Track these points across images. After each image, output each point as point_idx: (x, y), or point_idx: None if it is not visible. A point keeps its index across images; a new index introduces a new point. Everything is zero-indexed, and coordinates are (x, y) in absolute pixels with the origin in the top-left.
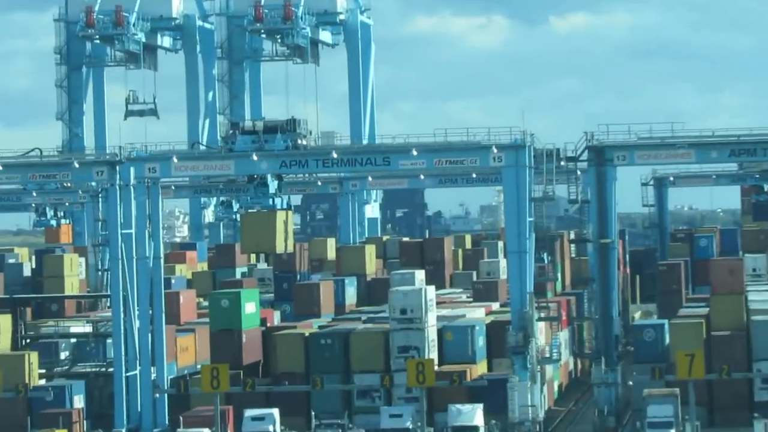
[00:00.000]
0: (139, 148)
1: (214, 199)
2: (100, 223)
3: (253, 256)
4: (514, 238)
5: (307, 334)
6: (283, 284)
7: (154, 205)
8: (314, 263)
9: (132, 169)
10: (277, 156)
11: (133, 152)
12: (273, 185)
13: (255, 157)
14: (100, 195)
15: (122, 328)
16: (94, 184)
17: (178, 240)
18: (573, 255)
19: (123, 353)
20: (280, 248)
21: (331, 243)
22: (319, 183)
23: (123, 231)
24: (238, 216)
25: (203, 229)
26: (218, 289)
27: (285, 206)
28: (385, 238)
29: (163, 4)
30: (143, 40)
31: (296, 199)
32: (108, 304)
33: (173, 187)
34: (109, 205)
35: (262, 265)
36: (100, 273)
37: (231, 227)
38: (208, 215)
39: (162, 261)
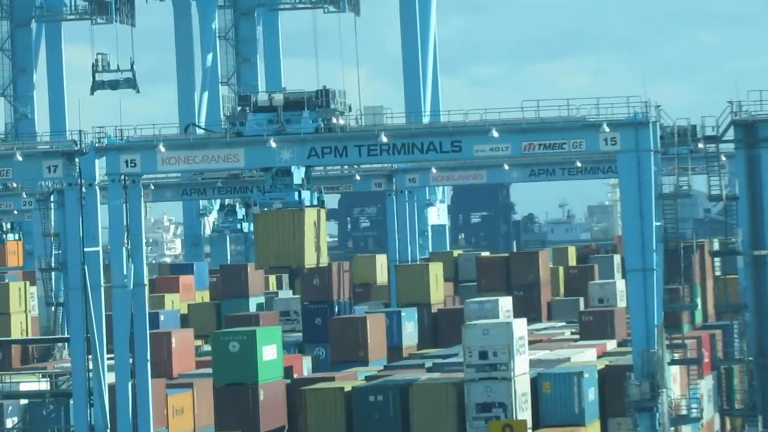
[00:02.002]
0: (112, 133)
1: (218, 202)
2: (52, 238)
3: (272, 281)
4: (636, 250)
5: (349, 389)
6: (316, 319)
7: (134, 211)
8: (358, 289)
9: (99, 162)
10: (303, 141)
11: (102, 138)
12: (299, 174)
13: (273, 144)
14: (52, 199)
15: (87, 384)
16: (47, 184)
17: (168, 260)
18: (717, 273)
19: (89, 419)
20: (309, 261)
21: (381, 261)
22: (358, 177)
23: (87, 249)
24: (245, 224)
25: (202, 245)
26: (225, 328)
27: (316, 203)
28: (456, 253)
29: None
30: None
31: (331, 201)
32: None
33: (152, 187)
34: (67, 212)
35: (286, 293)
36: (53, 308)
37: (241, 242)
38: (209, 225)
39: (146, 290)
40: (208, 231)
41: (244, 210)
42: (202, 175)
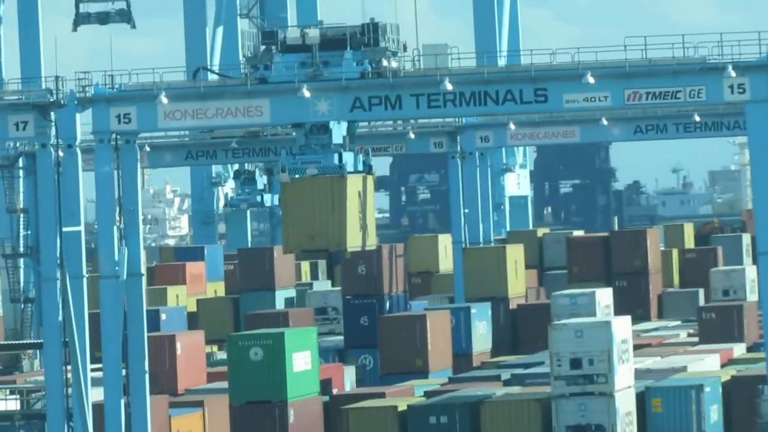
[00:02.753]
0: (100, 80)
1: (233, 168)
2: (19, 216)
3: (305, 269)
4: None
5: (404, 408)
6: (361, 318)
7: (128, 180)
8: (415, 280)
9: (82, 118)
10: (345, 90)
11: (87, 87)
12: (339, 131)
13: (306, 93)
14: (20, 165)
15: (65, 403)
16: (14, 145)
17: (171, 242)
18: None
19: None
20: (353, 243)
21: (444, 243)
22: (412, 136)
23: (65, 228)
24: (268, 196)
25: (215, 223)
26: (245, 329)
27: (361, 169)
28: (541, 232)
29: None
30: None
31: (381, 167)
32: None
33: (147, 148)
34: (39, 182)
35: (323, 284)
36: (20, 305)
37: (266, 219)
38: (224, 197)
39: (143, 281)
40: (221, 205)
41: (265, 178)
42: (211, 134)
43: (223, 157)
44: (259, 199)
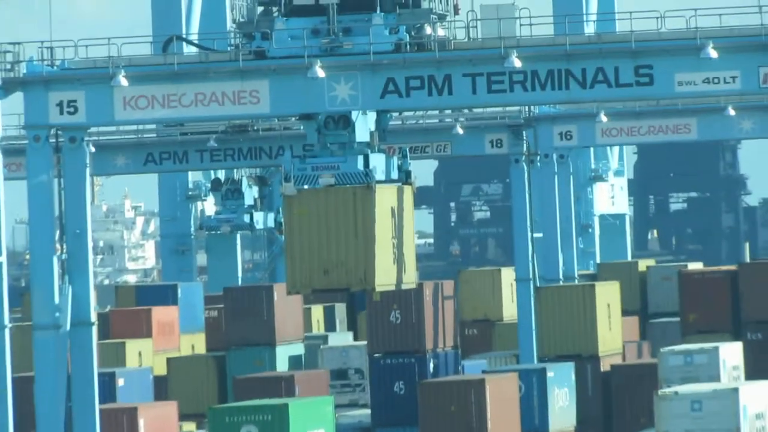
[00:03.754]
0: (35, 54)
1: (220, 173)
2: None
3: (316, 315)
4: None
5: None
6: (395, 384)
7: (73, 192)
8: (470, 330)
9: (6, 105)
10: (374, 68)
11: (16, 64)
12: (364, 124)
13: (319, 72)
14: None
15: None
16: None
17: (132, 278)
18: None
19: None
20: (383, 280)
21: (509, 280)
22: (460, 131)
23: None
24: (261, 216)
25: (193, 252)
26: (233, 399)
27: (396, 177)
28: (644, 264)
29: None
30: None
31: (423, 173)
32: None
33: (93, 149)
34: None
35: (342, 337)
36: None
37: (262, 245)
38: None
39: (94, 331)
40: (198, 227)
41: (256, 190)
42: (181, 128)
43: (197, 161)
44: (246, 219)
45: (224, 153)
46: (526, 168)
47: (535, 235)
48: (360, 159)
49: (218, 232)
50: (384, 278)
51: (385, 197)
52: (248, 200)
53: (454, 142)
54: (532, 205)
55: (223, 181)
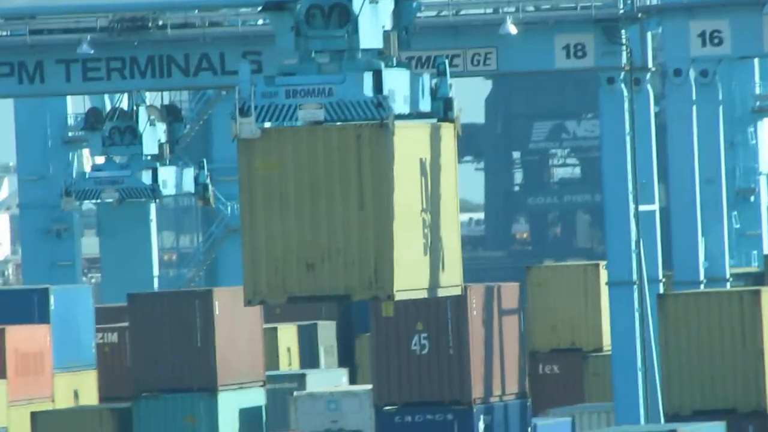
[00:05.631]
0: None
1: (104, 101)
2: None
3: (286, 341)
4: None
5: None
6: None
7: None
8: (547, 364)
9: None
10: None
11: None
12: (375, 16)
13: None
14: None
15: None
16: None
17: None
18: None
19: None
20: (406, 284)
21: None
22: (512, 30)
23: None
24: (170, 172)
25: (75, 235)
26: None
27: (429, 108)
28: None
29: None
30: None
31: (469, 101)
32: None
33: None
34: None
35: (330, 376)
36: None
37: (193, 220)
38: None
39: None
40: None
41: (161, 128)
42: (32, 22)
43: (60, 79)
44: (146, 178)
45: (107, 66)
46: (626, 93)
47: (646, 207)
48: (367, 78)
49: (98, 200)
50: (407, 278)
51: (409, 142)
52: (149, 147)
53: (502, 47)
54: (634, 154)
55: (106, 114)
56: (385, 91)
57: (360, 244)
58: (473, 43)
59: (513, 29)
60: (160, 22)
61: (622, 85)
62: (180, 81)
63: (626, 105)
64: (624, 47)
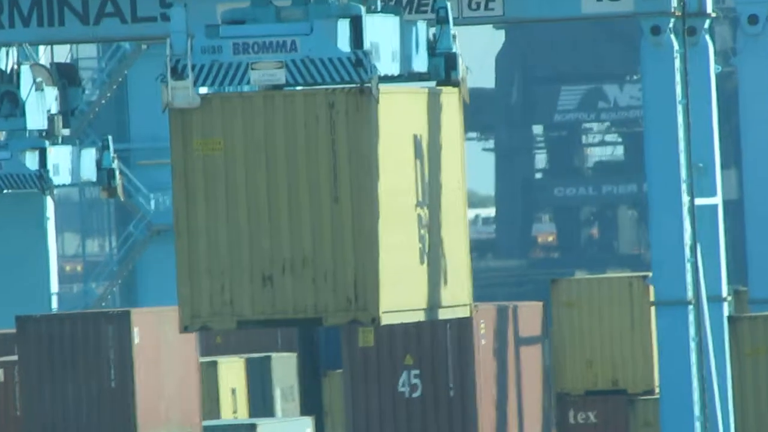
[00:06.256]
0: None
1: None
2: None
3: (232, 377)
4: None
5: None
6: None
7: None
8: (581, 411)
9: None
10: None
11: None
12: None
13: None
14: None
15: None
16: None
17: None
18: None
19: None
20: (396, 303)
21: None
22: None
23: None
24: (62, 159)
25: None
26: None
27: (428, 70)
28: None
29: None
30: None
31: (472, 59)
32: None
33: None
34: None
35: (288, 430)
36: None
37: (102, 215)
38: None
39: None
40: None
41: (52, 94)
42: None
43: None
44: (31, 163)
45: None
46: (677, 47)
47: (705, 201)
48: (342, 27)
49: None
50: (396, 296)
51: (400, 113)
52: (35, 120)
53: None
54: (689, 129)
55: None
56: (367, 45)
57: (334, 250)
58: None
59: None
60: None
61: (672, 37)
62: (77, 31)
63: (677, 63)
64: None
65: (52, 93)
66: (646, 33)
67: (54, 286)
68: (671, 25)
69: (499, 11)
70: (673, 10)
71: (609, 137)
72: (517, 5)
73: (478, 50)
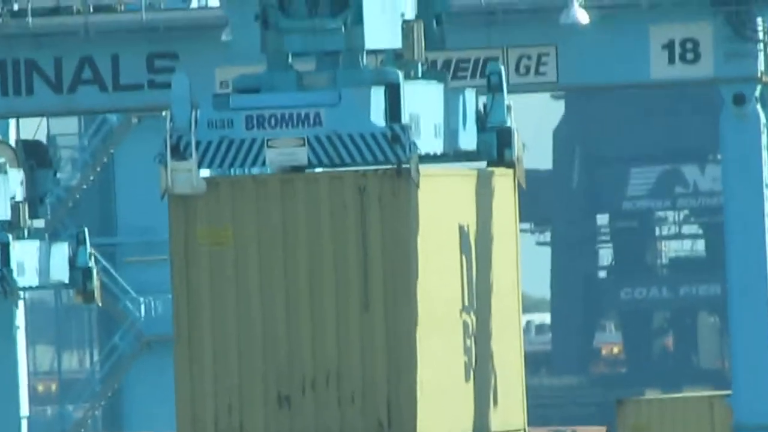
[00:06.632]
0: None
1: None
2: None
3: None
4: None
5: None
6: None
7: None
8: None
9: None
10: None
11: None
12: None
13: None
14: None
15: None
16: None
17: None
18: None
19: None
20: (435, 427)
21: None
22: (583, 18)
23: None
24: (28, 257)
25: None
26: None
27: (477, 147)
28: None
29: None
30: None
31: (526, 130)
32: None
33: None
34: None
35: None
36: None
37: (80, 335)
38: None
39: None
40: None
41: (17, 178)
42: None
43: None
44: None
45: None
46: (764, 120)
47: None
48: (376, 97)
49: None
50: (438, 419)
51: (443, 200)
52: None
53: (565, 46)
54: None
55: None
56: (405, 118)
57: (364, 365)
58: (519, 38)
59: (583, 16)
60: (16, 7)
61: (758, 106)
62: (48, 101)
63: (765, 139)
64: (761, 44)
65: (17, 176)
66: (728, 102)
67: (24, 408)
68: (758, 93)
69: (552, 77)
70: (759, 74)
71: (687, 228)
72: (573, 70)
73: (532, 124)
